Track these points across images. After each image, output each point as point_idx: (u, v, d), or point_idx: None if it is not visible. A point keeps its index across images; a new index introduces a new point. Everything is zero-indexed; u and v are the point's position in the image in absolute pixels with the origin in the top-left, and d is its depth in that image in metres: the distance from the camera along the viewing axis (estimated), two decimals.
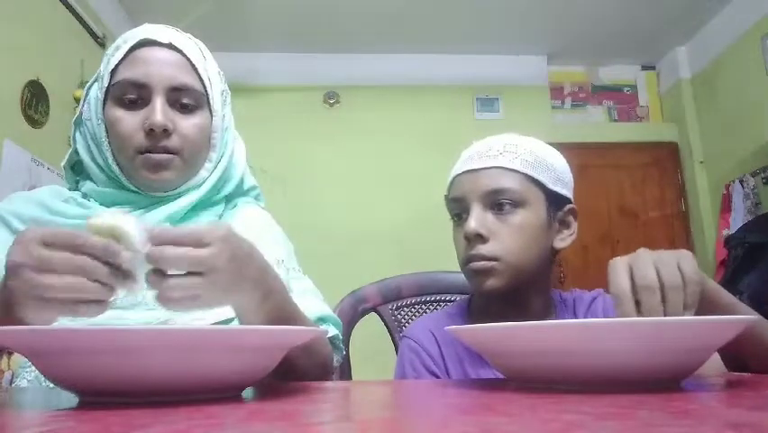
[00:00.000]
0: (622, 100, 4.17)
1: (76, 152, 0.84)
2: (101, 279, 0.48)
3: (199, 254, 0.49)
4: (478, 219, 0.80)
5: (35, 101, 2.51)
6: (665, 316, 0.55)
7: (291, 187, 3.51)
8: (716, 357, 0.67)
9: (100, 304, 0.49)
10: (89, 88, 0.84)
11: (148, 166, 0.77)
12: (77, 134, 0.84)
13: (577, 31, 3.73)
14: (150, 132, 0.76)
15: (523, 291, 0.83)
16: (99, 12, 3.15)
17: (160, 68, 0.77)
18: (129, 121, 0.77)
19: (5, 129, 2.31)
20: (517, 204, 0.81)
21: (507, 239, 0.80)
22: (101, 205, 0.80)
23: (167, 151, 0.77)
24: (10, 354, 0.69)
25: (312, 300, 0.80)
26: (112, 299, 0.50)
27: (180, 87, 0.78)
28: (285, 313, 0.64)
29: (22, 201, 0.80)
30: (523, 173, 0.82)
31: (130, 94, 0.77)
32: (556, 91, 4.10)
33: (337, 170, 3.72)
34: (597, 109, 4.15)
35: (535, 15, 3.53)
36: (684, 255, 0.58)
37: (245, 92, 3.58)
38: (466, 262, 0.82)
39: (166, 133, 0.76)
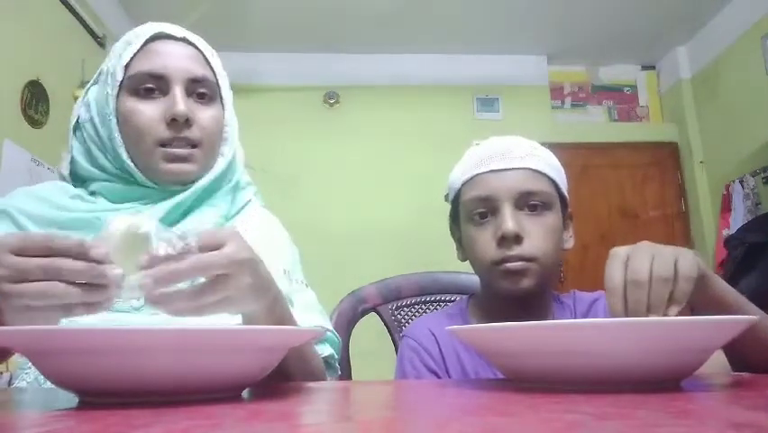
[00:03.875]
0: (622, 100, 4.17)
1: (72, 160, 0.83)
2: (75, 278, 0.46)
3: (224, 254, 0.48)
4: (514, 219, 0.79)
5: (35, 101, 2.52)
6: (648, 306, 0.54)
7: (291, 187, 3.51)
8: (720, 356, 0.67)
9: (92, 305, 0.48)
10: (87, 91, 0.83)
11: (169, 159, 0.77)
12: (75, 142, 0.83)
13: (577, 31, 3.73)
14: (173, 122, 0.76)
15: (539, 292, 0.83)
16: (99, 12, 3.15)
17: (177, 60, 0.78)
18: (148, 112, 0.76)
19: (5, 129, 2.32)
20: (547, 206, 0.82)
21: (541, 240, 0.80)
22: (110, 201, 0.79)
23: (188, 141, 0.77)
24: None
25: (313, 316, 0.80)
26: (103, 299, 0.48)
27: (198, 79, 0.79)
28: (288, 322, 0.63)
29: (26, 197, 0.79)
30: (548, 176, 0.83)
31: (148, 86, 0.77)
32: (556, 91, 4.10)
33: (337, 170, 3.72)
34: (597, 109, 4.15)
35: (535, 15, 3.53)
36: (685, 252, 0.57)
37: (245, 92, 3.58)
38: (499, 262, 0.79)
39: (187, 123, 0.77)
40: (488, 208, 0.81)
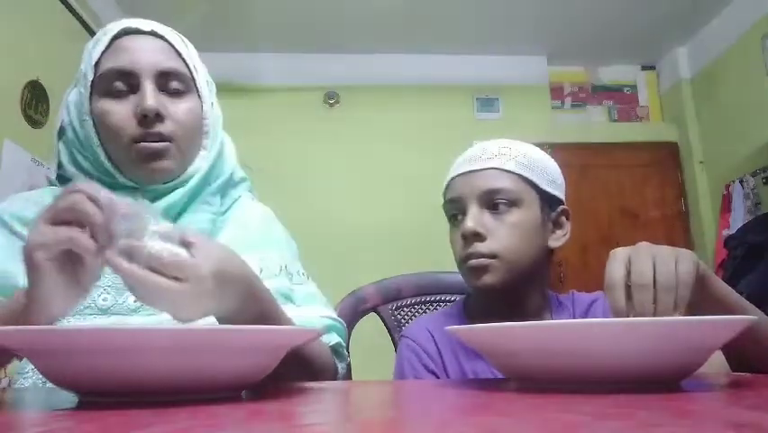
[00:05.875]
0: (622, 100, 4.17)
1: (60, 165, 0.82)
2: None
3: (184, 261, 0.49)
4: (475, 218, 0.81)
5: (35, 101, 2.52)
6: (654, 315, 0.55)
7: (291, 187, 3.50)
8: (719, 357, 0.67)
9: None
10: (68, 95, 0.82)
11: (144, 156, 0.75)
12: (60, 146, 0.82)
13: (577, 31, 3.73)
14: (144, 118, 0.74)
15: (519, 290, 0.84)
16: (99, 12, 3.15)
17: (145, 54, 0.76)
18: (119, 111, 0.75)
19: (5, 129, 2.31)
20: (513, 203, 0.82)
21: (504, 237, 0.81)
22: None
23: (161, 137, 0.75)
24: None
25: (316, 307, 0.80)
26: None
27: (168, 71, 0.77)
28: (273, 321, 0.62)
29: (22, 202, 0.78)
30: (517, 174, 0.84)
31: (117, 84, 0.75)
32: (556, 91, 4.10)
33: (337, 170, 3.72)
34: (597, 109, 4.15)
35: (535, 15, 3.53)
36: (684, 255, 0.58)
37: (245, 92, 3.59)
38: (463, 260, 0.83)
39: (159, 117, 0.75)
40: (458, 210, 0.85)
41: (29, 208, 0.77)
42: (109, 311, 0.70)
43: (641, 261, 0.56)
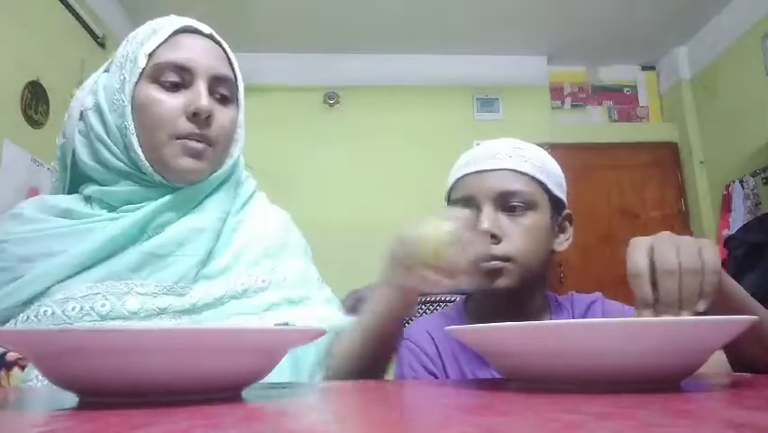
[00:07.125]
0: (622, 100, 4.17)
1: (73, 154, 0.80)
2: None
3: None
4: (490, 219, 0.80)
5: (35, 101, 2.52)
6: (681, 300, 0.54)
7: (291, 187, 3.50)
8: (720, 356, 0.66)
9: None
10: (97, 80, 0.80)
11: (187, 152, 0.75)
12: (76, 133, 0.80)
13: (577, 31, 3.73)
14: (194, 116, 0.74)
15: (524, 292, 0.83)
16: (99, 12, 3.15)
17: (204, 55, 0.78)
18: (169, 103, 0.74)
19: (5, 129, 2.32)
20: (528, 206, 0.81)
21: (519, 240, 0.80)
22: (107, 210, 0.76)
23: (206, 139, 0.76)
24: (9, 369, 0.68)
25: (335, 311, 0.82)
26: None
27: (221, 77, 0.79)
28: None
29: (11, 222, 0.76)
30: (532, 176, 0.83)
31: (171, 77, 0.75)
32: (556, 91, 4.10)
33: (337, 170, 3.72)
34: (597, 109, 4.15)
35: (535, 15, 3.54)
36: (706, 244, 0.57)
37: (245, 92, 3.58)
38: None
39: (207, 120, 0.75)
40: (470, 209, 0.82)
41: (20, 227, 0.75)
42: (108, 316, 0.69)
43: (665, 248, 0.55)
